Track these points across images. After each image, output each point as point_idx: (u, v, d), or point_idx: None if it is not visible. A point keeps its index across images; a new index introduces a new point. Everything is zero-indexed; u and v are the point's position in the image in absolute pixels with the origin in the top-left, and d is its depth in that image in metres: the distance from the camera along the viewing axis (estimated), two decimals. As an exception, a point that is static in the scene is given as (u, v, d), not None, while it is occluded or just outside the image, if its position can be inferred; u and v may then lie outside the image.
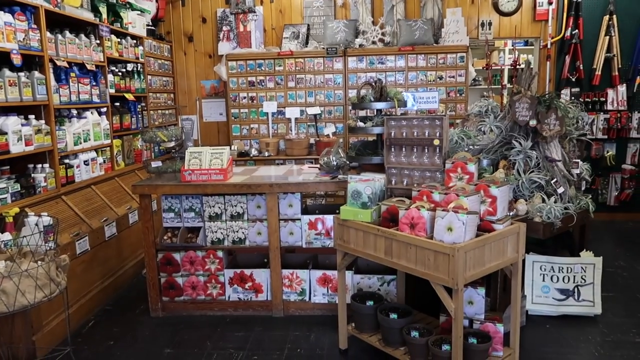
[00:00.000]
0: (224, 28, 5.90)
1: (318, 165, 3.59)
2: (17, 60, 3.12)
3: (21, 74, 3.23)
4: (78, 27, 4.07)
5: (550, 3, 5.58)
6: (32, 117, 3.33)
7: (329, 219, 3.41)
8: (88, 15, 4.14)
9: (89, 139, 4.04)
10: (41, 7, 3.42)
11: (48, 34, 3.53)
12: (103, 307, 3.74)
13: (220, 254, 3.54)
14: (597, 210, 3.66)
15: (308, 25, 5.79)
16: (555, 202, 3.12)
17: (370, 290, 3.32)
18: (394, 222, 2.54)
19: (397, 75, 5.45)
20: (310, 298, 3.52)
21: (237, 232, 3.52)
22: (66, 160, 3.78)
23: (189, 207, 3.54)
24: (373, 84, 3.47)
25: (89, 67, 4.00)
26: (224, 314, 3.55)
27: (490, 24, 5.73)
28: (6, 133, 3.09)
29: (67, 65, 3.73)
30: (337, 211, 2.81)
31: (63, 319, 3.17)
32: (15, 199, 3.16)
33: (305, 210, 3.66)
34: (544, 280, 3.36)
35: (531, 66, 3.67)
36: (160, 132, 3.73)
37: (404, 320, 2.72)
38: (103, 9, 4.43)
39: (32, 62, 3.41)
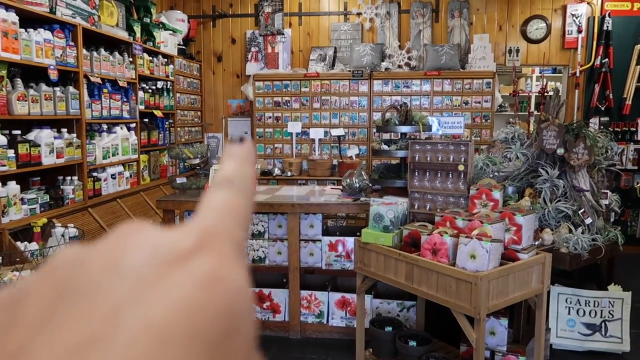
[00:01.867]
0: (253, 49, 6.02)
1: (340, 187, 3.59)
2: (53, 75, 3.24)
3: (56, 88, 3.34)
4: (113, 44, 4.21)
5: (579, 31, 5.54)
6: (64, 130, 3.43)
7: (349, 241, 3.39)
8: (123, 34, 4.29)
9: (117, 154, 4.14)
10: (79, 26, 3.56)
11: (84, 51, 3.66)
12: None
13: (239, 272, 3.54)
14: (626, 243, 3.55)
15: (335, 48, 5.86)
16: (582, 232, 3.04)
17: (390, 316, 3.27)
18: (415, 247, 2.52)
19: (423, 99, 5.45)
20: (328, 321, 3.48)
21: (257, 250, 3.53)
22: (94, 174, 3.87)
23: (211, 223, 3.56)
24: (398, 107, 3.47)
25: (120, 83, 4.12)
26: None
27: (517, 50, 5.71)
28: (39, 145, 3.19)
29: (101, 82, 3.85)
30: (358, 233, 2.80)
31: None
32: (44, 209, 3.24)
33: (326, 232, 3.65)
34: (569, 314, 3.26)
35: (559, 94, 3.63)
36: (186, 148, 3.79)
37: (423, 349, 2.66)
38: (137, 28, 4.58)
39: (67, 77, 3.53)
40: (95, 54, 3.84)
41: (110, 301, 0.19)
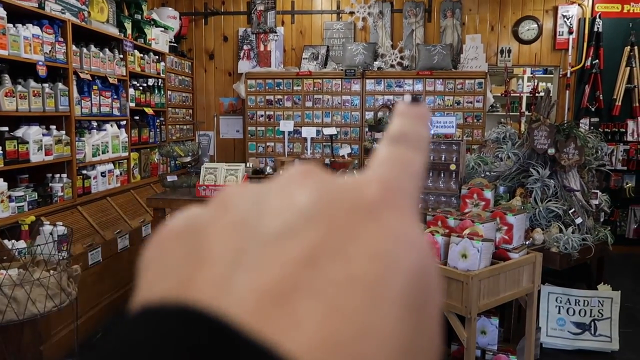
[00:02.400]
0: (245, 47, 5.99)
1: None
2: (42, 71, 3.20)
3: (45, 85, 3.30)
4: (103, 41, 4.17)
5: (570, 32, 5.57)
6: (53, 127, 3.39)
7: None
8: (113, 31, 4.24)
9: (107, 151, 4.09)
10: (68, 22, 3.52)
11: (74, 47, 3.62)
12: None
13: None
14: (615, 242, 3.58)
15: (328, 46, 5.85)
16: (573, 232, 3.06)
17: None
18: (407, 246, 2.51)
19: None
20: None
21: (249, 249, 3.51)
22: (84, 171, 3.83)
23: (202, 222, 3.54)
24: (390, 106, 3.47)
25: (111, 80, 4.08)
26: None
27: (509, 51, 5.73)
28: (27, 142, 3.15)
29: (90, 78, 3.81)
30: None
31: (71, 329, 3.16)
32: (32, 207, 3.19)
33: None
34: (559, 313, 3.28)
35: (550, 94, 3.65)
36: (177, 146, 3.77)
37: (414, 348, 2.66)
38: (128, 25, 4.53)
39: (56, 73, 3.48)
40: (85, 50, 3.79)
41: (306, 245, 0.18)
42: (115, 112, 4.20)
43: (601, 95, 5.50)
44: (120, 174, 4.32)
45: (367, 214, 0.19)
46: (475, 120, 5.43)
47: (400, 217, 0.19)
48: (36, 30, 3.19)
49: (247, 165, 5.39)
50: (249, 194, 0.20)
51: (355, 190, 0.20)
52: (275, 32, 5.83)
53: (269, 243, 0.18)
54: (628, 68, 5.44)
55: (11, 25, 3.02)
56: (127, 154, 4.42)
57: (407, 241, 0.19)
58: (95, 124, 4.03)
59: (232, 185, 0.21)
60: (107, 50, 4.10)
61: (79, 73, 3.66)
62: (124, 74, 4.36)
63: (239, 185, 0.21)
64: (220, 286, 0.17)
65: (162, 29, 5.29)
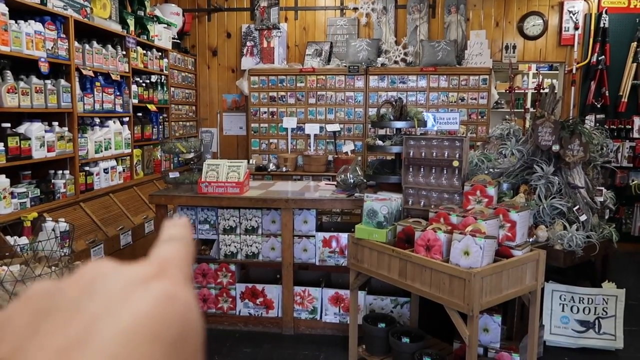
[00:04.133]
0: (248, 43, 5.97)
1: (335, 183, 3.57)
2: (44, 68, 3.19)
3: (47, 81, 3.30)
4: (105, 37, 4.17)
5: (576, 28, 5.52)
6: (55, 123, 3.39)
7: (343, 237, 3.37)
8: (116, 27, 4.24)
9: (110, 148, 4.10)
10: (71, 18, 3.51)
11: (76, 44, 3.61)
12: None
13: (232, 267, 3.52)
14: (620, 240, 3.54)
15: (331, 43, 5.82)
16: (577, 229, 3.03)
17: (383, 312, 3.26)
18: (409, 243, 2.50)
19: (419, 95, 5.43)
20: (321, 317, 3.47)
21: (251, 246, 3.50)
22: (86, 168, 3.83)
23: (204, 219, 3.54)
24: (393, 102, 3.45)
25: (113, 77, 4.08)
26: (234, 329, 3.52)
27: (514, 47, 5.69)
28: (30, 139, 3.15)
29: (93, 75, 3.81)
30: (352, 229, 2.78)
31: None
32: (35, 203, 3.20)
33: (320, 227, 3.63)
34: (563, 311, 3.25)
35: (555, 91, 3.61)
36: (180, 143, 3.76)
37: (416, 345, 2.65)
38: (131, 21, 4.53)
39: (59, 70, 3.48)
40: (87, 46, 3.79)
41: (88, 314, 0.25)
42: (118, 108, 4.20)
43: (607, 92, 5.45)
44: (123, 170, 4.32)
45: (140, 285, 0.26)
46: (479, 117, 5.39)
47: (170, 283, 0.27)
48: (38, 26, 3.19)
49: (251, 162, 5.39)
50: (51, 286, 0.27)
51: (137, 270, 0.27)
52: (279, 29, 5.80)
53: (61, 317, 0.25)
54: (635, 64, 5.38)
55: (13, 21, 3.01)
56: (130, 150, 4.42)
57: (170, 299, 0.25)
58: (97, 120, 4.03)
59: (38, 282, 0.29)
60: (109, 46, 4.10)
61: (82, 69, 3.66)
62: (127, 70, 4.36)
63: (43, 281, 0.28)
64: (18, 350, 0.24)
65: (165, 26, 5.28)
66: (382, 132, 5.06)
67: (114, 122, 4.17)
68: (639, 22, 5.36)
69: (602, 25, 5.41)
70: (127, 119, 4.36)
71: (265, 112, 5.69)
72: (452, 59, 5.38)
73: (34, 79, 3.18)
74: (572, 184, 3.22)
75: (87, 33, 3.92)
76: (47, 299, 0.26)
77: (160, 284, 0.26)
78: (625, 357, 3.17)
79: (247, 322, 3.53)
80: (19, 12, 3.14)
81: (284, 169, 5.34)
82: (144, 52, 4.73)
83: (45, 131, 3.28)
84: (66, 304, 0.26)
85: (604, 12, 5.40)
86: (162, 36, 5.15)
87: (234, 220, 3.50)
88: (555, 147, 3.18)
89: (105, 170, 4.03)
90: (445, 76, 5.37)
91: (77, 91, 3.62)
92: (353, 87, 5.51)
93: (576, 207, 3.13)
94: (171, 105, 5.38)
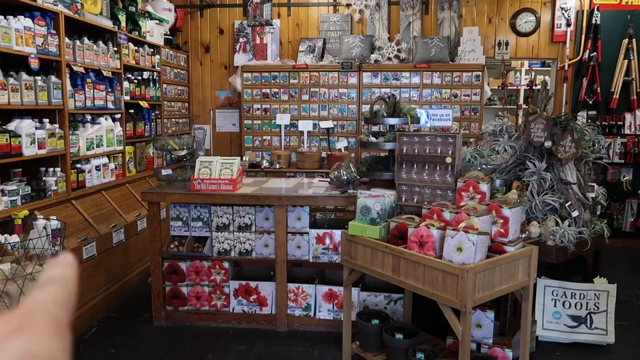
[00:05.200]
0: (241, 40, 5.95)
1: (328, 180, 3.57)
2: (34, 64, 3.16)
3: (38, 77, 3.27)
4: (96, 33, 4.13)
5: (568, 25, 5.54)
6: (46, 120, 3.36)
7: (337, 233, 3.37)
8: (107, 23, 4.20)
9: (102, 145, 4.07)
10: (61, 14, 3.48)
11: (66, 40, 3.58)
12: (106, 314, 3.73)
13: (226, 264, 3.51)
14: (612, 236, 3.57)
15: (324, 39, 5.81)
16: (569, 225, 3.05)
17: (377, 309, 3.26)
18: (402, 239, 2.50)
19: (412, 91, 5.43)
20: (315, 314, 3.47)
21: (244, 243, 3.49)
22: (78, 165, 3.80)
23: (197, 216, 3.53)
24: (386, 99, 3.44)
25: (105, 73, 4.04)
26: (228, 326, 3.51)
27: (507, 43, 5.70)
28: (20, 136, 3.12)
29: (84, 71, 3.77)
30: (346, 226, 2.77)
31: (66, 324, 3.15)
32: (26, 201, 3.17)
33: (314, 224, 3.62)
34: (555, 306, 3.28)
35: (548, 87, 3.62)
36: (172, 140, 3.74)
37: (409, 341, 2.66)
38: (122, 17, 4.49)
39: (49, 66, 3.45)
40: (78, 42, 3.75)
41: None
42: (110, 105, 4.17)
43: (599, 88, 5.48)
44: (115, 167, 4.29)
45: None
46: (472, 114, 5.40)
47: (30, 339, 0.25)
48: (28, 22, 3.15)
49: (244, 158, 5.37)
50: None
51: None
52: (272, 25, 5.78)
53: None
54: (626, 61, 5.41)
55: (2, 17, 2.98)
56: (122, 147, 4.39)
57: (29, 356, 0.24)
58: (89, 117, 4.00)
59: None
60: (100, 42, 4.06)
61: (72, 66, 3.62)
62: (119, 66, 4.32)
63: None
64: None
65: (157, 22, 5.24)
66: (375, 128, 5.06)
67: (105, 119, 4.14)
68: (630, 19, 5.39)
69: (593, 22, 5.44)
70: (119, 115, 4.33)
71: (258, 109, 5.67)
72: (445, 56, 5.38)
73: (24, 76, 3.15)
74: (564, 180, 3.24)
75: (77, 29, 3.89)
76: None
77: (18, 341, 0.25)
78: (616, 351, 3.19)
79: (241, 320, 3.52)
80: (8, 8, 3.10)
81: (278, 165, 5.33)
82: (136, 48, 4.69)
83: (36, 128, 3.25)
84: None
85: (595, 8, 5.43)
86: (154, 32, 5.11)
87: (227, 218, 3.49)
88: (548, 144, 3.19)
89: (97, 168, 4.00)
90: (438, 73, 5.37)
91: (68, 88, 3.59)
92: (346, 83, 5.50)
93: (568, 203, 3.15)
94: (163, 102, 5.35)
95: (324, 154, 5.42)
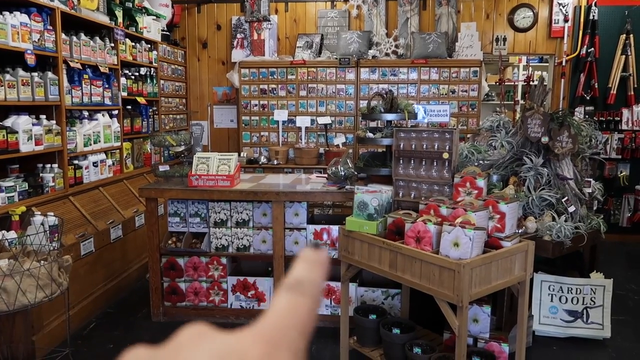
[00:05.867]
0: (238, 35, 5.93)
1: (326, 175, 3.57)
2: (31, 60, 3.15)
3: (34, 74, 3.26)
4: (93, 29, 4.11)
5: (566, 20, 5.54)
6: (43, 117, 3.35)
7: (334, 229, 3.38)
8: (104, 19, 4.19)
9: (99, 141, 4.06)
10: (57, 9, 3.46)
11: (63, 36, 3.57)
12: (105, 309, 3.73)
13: (224, 260, 3.51)
14: (608, 231, 3.59)
15: (322, 35, 5.80)
16: (565, 221, 3.06)
17: (374, 304, 3.27)
18: (399, 235, 2.51)
19: (410, 87, 5.43)
20: (313, 309, 3.47)
21: (242, 239, 3.50)
22: (75, 161, 3.79)
23: (195, 212, 3.53)
24: (384, 95, 3.45)
25: (102, 69, 4.03)
26: (226, 322, 3.52)
27: (504, 39, 5.70)
28: (17, 132, 3.11)
29: (81, 67, 3.76)
30: (343, 222, 2.78)
31: (64, 320, 3.16)
32: (23, 197, 3.17)
33: (312, 220, 3.63)
34: (552, 301, 3.29)
35: (545, 83, 3.63)
36: (169, 136, 3.74)
37: (406, 336, 2.67)
38: (119, 13, 4.47)
39: (46, 62, 3.44)
40: (75, 38, 3.74)
41: None
42: (107, 101, 4.16)
43: (596, 84, 5.49)
44: (113, 163, 4.29)
45: None
46: (470, 109, 5.40)
47: None
48: (24, 18, 3.14)
49: (242, 154, 5.37)
50: (145, 356, 0.25)
51: (240, 352, 0.24)
52: (269, 21, 5.76)
53: None
54: (623, 56, 5.41)
55: (-2, 12, 2.97)
56: (119, 143, 4.38)
57: None
58: (86, 113, 3.99)
59: (134, 349, 0.26)
60: (97, 38, 4.05)
61: (69, 62, 3.61)
62: (116, 62, 4.31)
63: (139, 349, 0.26)
64: None
65: (154, 17, 5.22)
66: (372, 124, 5.06)
67: (102, 115, 4.13)
68: (627, 15, 5.39)
69: (591, 17, 5.44)
70: (116, 112, 4.32)
71: (256, 105, 5.67)
72: (442, 52, 5.38)
73: (21, 72, 3.14)
74: (561, 175, 3.25)
75: (74, 25, 3.87)
76: None
77: None
78: (612, 346, 3.21)
79: (239, 315, 3.53)
80: (3, 4, 3.09)
81: (275, 161, 5.33)
82: (133, 44, 4.68)
83: (33, 124, 3.24)
84: None
85: (593, 4, 5.43)
86: (151, 28, 5.10)
87: (224, 214, 3.50)
88: (545, 139, 3.20)
89: (95, 164, 4.00)
90: (436, 68, 5.37)
91: (65, 84, 3.58)
92: (344, 79, 5.50)
93: (565, 199, 3.16)
94: (161, 98, 5.34)
95: (321, 150, 5.42)
